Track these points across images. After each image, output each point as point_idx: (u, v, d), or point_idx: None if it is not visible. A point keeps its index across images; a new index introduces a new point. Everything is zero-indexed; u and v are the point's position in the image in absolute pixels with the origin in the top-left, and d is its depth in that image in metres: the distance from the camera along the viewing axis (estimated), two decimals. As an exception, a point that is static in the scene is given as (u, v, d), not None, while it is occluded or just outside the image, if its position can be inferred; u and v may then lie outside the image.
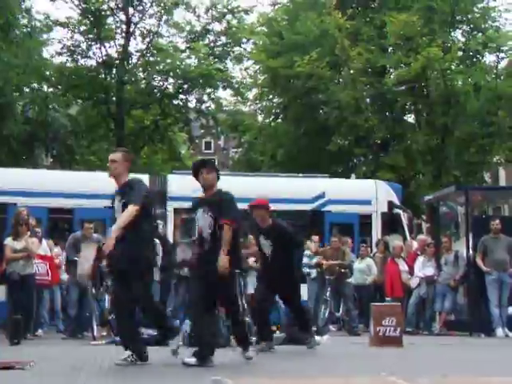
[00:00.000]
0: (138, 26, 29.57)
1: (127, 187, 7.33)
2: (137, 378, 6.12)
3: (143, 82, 29.76)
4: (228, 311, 8.00)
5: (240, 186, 16.36)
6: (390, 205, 17.26)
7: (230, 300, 7.73)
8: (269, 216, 9.54)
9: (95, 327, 11.73)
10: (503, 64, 27.92)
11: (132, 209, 7.03)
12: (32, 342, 10.94)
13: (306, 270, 14.98)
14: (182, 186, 16.21)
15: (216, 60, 29.58)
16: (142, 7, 29.20)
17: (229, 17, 29.99)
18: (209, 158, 8.10)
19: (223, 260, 7.18)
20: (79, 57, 29.27)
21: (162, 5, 29.16)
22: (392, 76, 26.94)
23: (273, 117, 31.38)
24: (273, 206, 15.83)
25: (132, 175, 7.78)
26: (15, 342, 10.30)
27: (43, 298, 13.21)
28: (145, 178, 16.33)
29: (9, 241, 11.65)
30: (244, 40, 30.04)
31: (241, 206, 15.88)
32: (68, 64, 29.13)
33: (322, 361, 8.45)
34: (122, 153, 7.72)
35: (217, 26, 30.30)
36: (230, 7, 29.88)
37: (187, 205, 15.78)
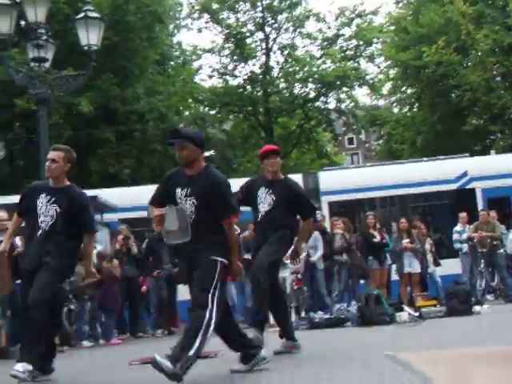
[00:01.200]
0: (276, 41, 30.07)
1: (78, 206, 6.06)
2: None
3: (286, 91, 30.08)
4: None
5: (388, 174, 16.34)
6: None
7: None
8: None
9: (270, 315, 11.88)
10: None
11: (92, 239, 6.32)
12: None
13: (457, 245, 14.56)
14: (333, 180, 16.31)
15: (350, 62, 29.45)
16: (277, 24, 29.68)
17: (357, 20, 29.79)
18: (180, 128, 5.32)
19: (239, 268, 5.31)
20: (227, 77, 30.20)
21: (294, 19, 29.44)
22: (520, 52, 25.62)
23: (408, 107, 30.86)
24: (419, 189, 15.84)
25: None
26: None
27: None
28: (298, 177, 16.68)
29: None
30: (374, 40, 29.69)
31: (388, 192, 16.03)
32: (219, 85, 30.11)
33: (486, 330, 8.17)
34: (64, 152, 6.14)
35: (347, 31, 30.20)
36: (357, 12, 29.67)
37: (339, 197, 15.99)
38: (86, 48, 12.49)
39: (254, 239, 6.78)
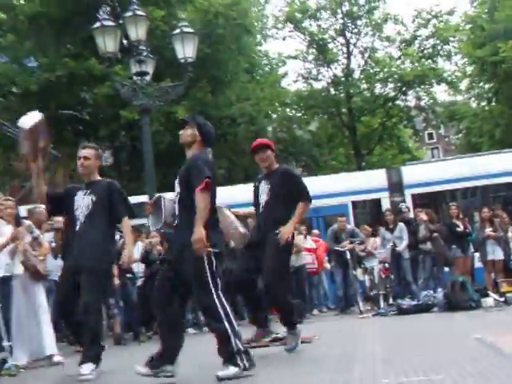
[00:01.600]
0: (356, 45, 29.84)
1: (111, 192, 5.91)
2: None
3: (367, 91, 29.81)
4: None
5: (468, 166, 15.90)
6: None
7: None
8: (276, 161, 6.49)
9: (360, 303, 11.84)
10: None
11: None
12: (311, 321, 11.32)
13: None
14: (415, 174, 16.06)
15: (428, 61, 28.88)
16: (357, 29, 29.50)
17: (433, 21, 29.18)
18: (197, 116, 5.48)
19: (198, 233, 4.66)
20: (311, 80, 30.23)
21: (373, 24, 29.16)
22: None
23: (486, 101, 29.95)
24: (499, 180, 15.32)
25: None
26: (299, 321, 10.69)
27: (312, 283, 13.61)
28: (382, 172, 16.58)
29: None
30: (451, 38, 29.00)
31: (469, 184, 15.58)
32: (303, 88, 30.18)
33: None
34: (95, 150, 6.07)
35: (423, 31, 29.60)
36: (433, 13, 29.07)
37: (422, 190, 15.71)
38: (182, 60, 12.81)
39: (253, 231, 6.36)
